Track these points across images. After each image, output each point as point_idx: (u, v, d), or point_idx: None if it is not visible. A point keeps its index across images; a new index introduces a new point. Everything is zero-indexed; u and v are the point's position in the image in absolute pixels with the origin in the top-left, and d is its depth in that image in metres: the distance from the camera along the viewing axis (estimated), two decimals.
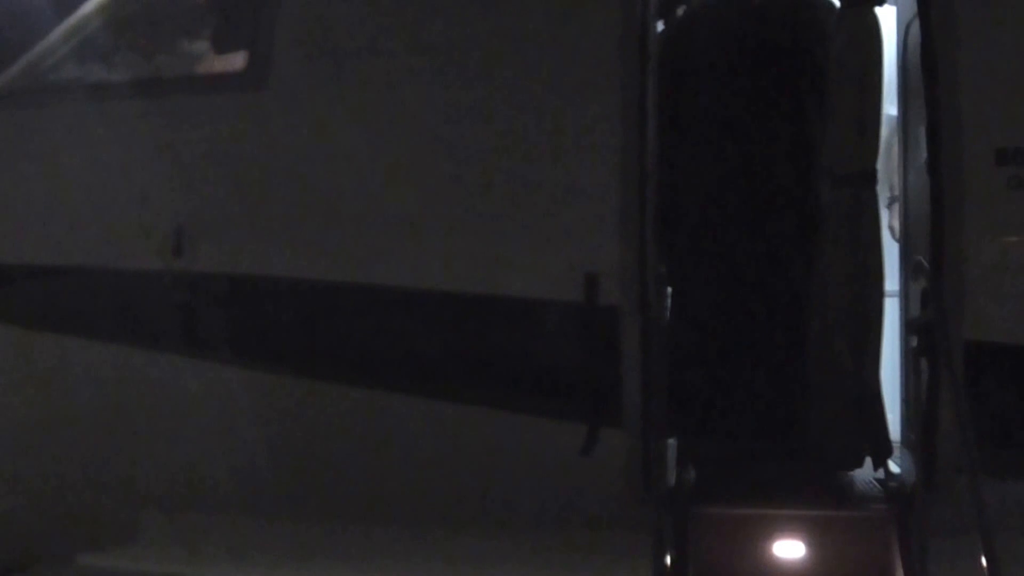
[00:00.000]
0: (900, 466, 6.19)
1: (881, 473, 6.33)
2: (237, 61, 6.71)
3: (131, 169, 6.58)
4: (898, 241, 7.16)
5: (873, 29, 6.54)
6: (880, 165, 6.62)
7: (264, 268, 6.42)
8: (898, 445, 6.56)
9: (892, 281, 6.90)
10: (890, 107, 7.05)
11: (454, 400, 6.31)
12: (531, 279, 6.11)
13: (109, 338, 6.66)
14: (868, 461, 6.50)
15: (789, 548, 5.85)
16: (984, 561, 5.11)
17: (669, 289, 6.02)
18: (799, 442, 6.71)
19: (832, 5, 6.87)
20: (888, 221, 7.52)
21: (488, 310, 6.22)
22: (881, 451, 6.34)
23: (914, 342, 6.05)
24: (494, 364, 6.26)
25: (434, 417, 6.32)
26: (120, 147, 6.62)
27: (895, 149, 7.17)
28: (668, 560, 5.34)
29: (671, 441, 5.98)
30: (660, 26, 6.99)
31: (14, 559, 7.54)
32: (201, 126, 6.53)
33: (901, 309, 6.84)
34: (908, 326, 6.39)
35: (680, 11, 7.23)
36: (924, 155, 6.01)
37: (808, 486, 6.35)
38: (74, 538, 7.33)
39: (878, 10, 6.61)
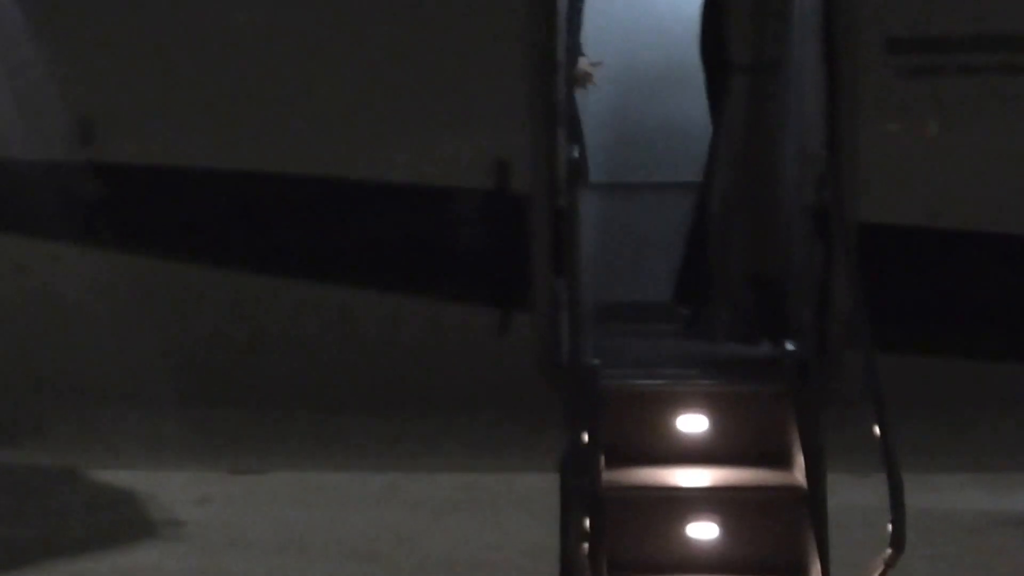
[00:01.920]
0: (796, 343, 6.49)
1: (779, 349, 6.61)
2: None
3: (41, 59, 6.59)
4: None
5: None
6: None
7: (175, 159, 6.50)
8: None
9: None
10: None
11: (370, 287, 6.47)
12: (445, 167, 6.27)
13: (15, 230, 6.71)
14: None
15: (692, 422, 6.11)
16: (876, 429, 5.42)
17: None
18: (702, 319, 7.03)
19: None
20: None
21: (403, 198, 6.37)
22: (779, 328, 6.62)
23: (807, 223, 6.34)
24: (410, 251, 6.44)
25: (350, 304, 6.48)
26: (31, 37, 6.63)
27: None
28: (582, 436, 5.56)
29: (581, 322, 6.19)
30: None
31: None
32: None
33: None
34: (803, 210, 6.65)
35: None
36: (818, 46, 6.24)
37: (710, 362, 6.67)
38: None
39: None
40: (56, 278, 6.68)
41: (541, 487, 7.85)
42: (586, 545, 5.24)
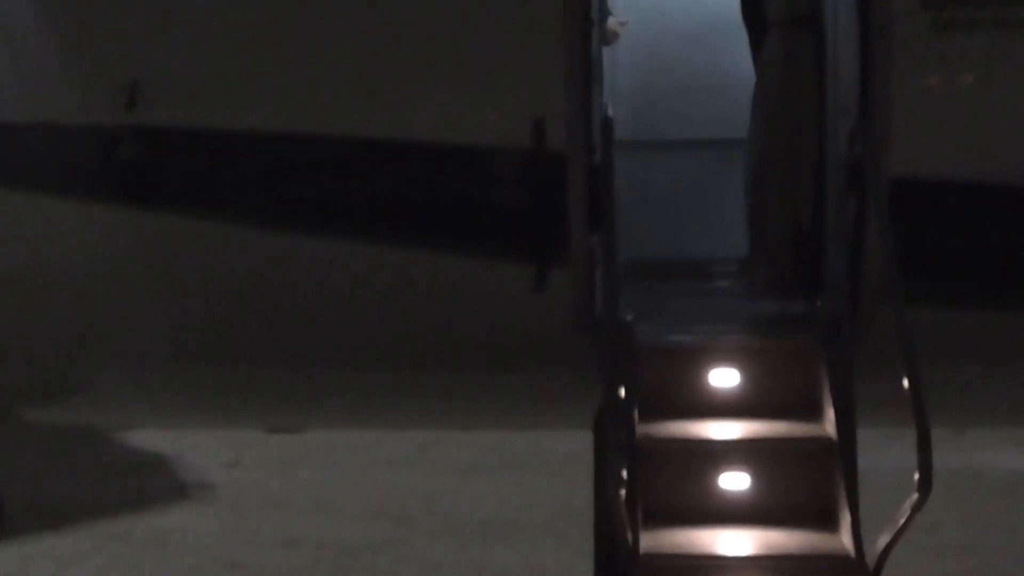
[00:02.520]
0: (829, 297, 6.52)
1: (813, 304, 6.64)
2: None
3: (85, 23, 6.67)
4: None
5: None
6: None
7: (220, 122, 6.57)
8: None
9: None
10: None
11: (408, 246, 6.53)
12: (483, 127, 6.31)
13: (66, 193, 6.80)
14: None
15: (725, 375, 6.16)
16: (906, 382, 5.46)
17: None
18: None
19: None
20: None
21: (440, 158, 6.43)
22: (815, 284, 6.65)
23: (841, 179, 6.37)
24: (448, 210, 6.49)
25: (388, 262, 6.54)
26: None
27: None
28: (618, 390, 5.61)
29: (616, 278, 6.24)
30: None
31: None
32: None
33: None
34: (833, 164, 6.68)
35: None
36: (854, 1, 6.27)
37: (747, 315, 6.71)
38: (23, 393, 7.55)
39: None
40: (99, 239, 6.77)
41: (570, 449, 7.95)
42: (623, 492, 5.29)
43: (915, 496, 5.22)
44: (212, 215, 6.65)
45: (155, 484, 11.64)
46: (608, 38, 7.36)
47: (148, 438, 12.08)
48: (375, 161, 6.50)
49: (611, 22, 7.47)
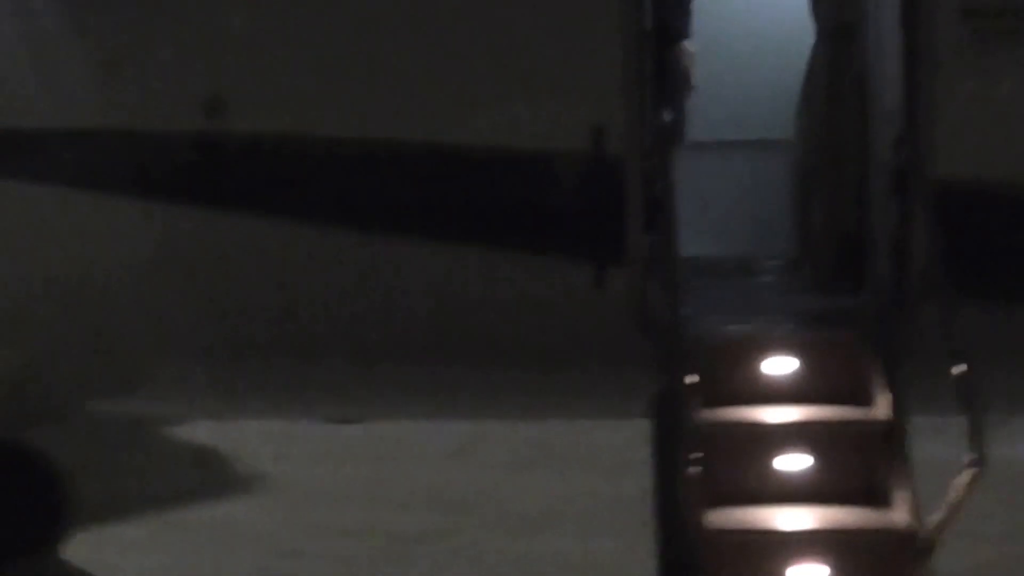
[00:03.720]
0: (876, 293, 6.84)
1: (859, 300, 6.97)
2: None
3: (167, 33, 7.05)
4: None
5: None
6: None
7: (298, 127, 6.95)
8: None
9: None
10: None
11: (473, 246, 6.89)
12: (546, 132, 6.68)
13: (143, 196, 7.16)
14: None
15: (780, 364, 6.46)
16: (955, 370, 5.78)
17: None
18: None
19: None
20: None
21: (504, 163, 6.80)
22: (861, 280, 7.00)
23: (885, 183, 6.72)
24: (510, 213, 6.85)
25: (457, 262, 6.90)
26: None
27: None
28: (682, 378, 5.95)
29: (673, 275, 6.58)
30: None
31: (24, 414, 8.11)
32: None
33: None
34: (878, 168, 7.03)
35: None
36: (896, 10, 6.62)
37: (796, 310, 7.05)
38: (79, 389, 7.90)
39: None
40: (174, 239, 7.15)
41: (618, 442, 8.23)
42: (691, 471, 5.63)
43: (968, 475, 5.53)
44: (272, 215, 7.02)
45: (215, 475, 12.01)
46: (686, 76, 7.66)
47: (209, 430, 12.41)
48: (442, 165, 6.86)
49: (687, 46, 7.77)
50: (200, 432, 12.55)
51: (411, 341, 7.20)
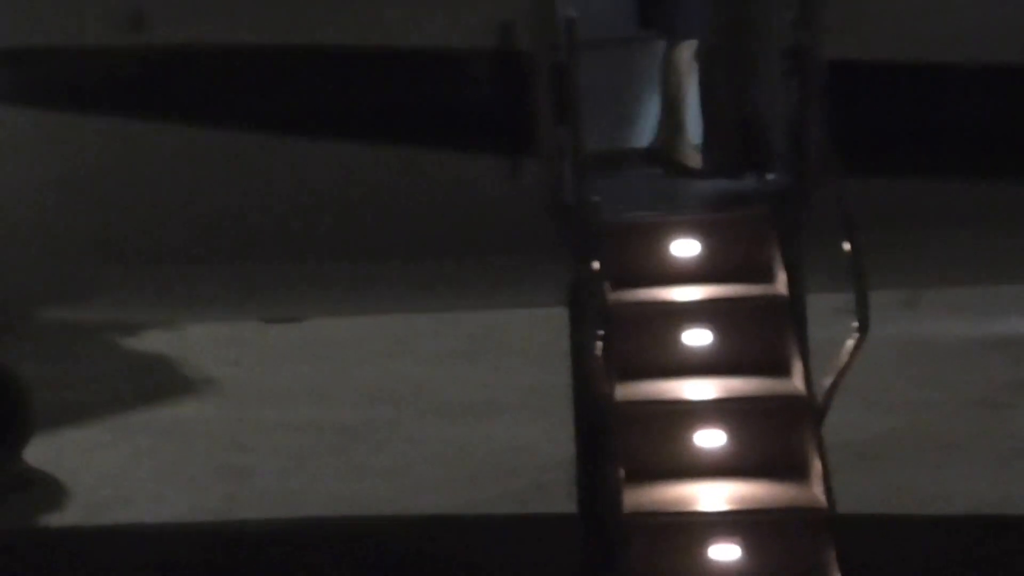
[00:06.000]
0: (776, 174, 7.13)
1: (761, 181, 7.27)
2: None
3: None
4: None
5: None
6: None
7: (216, 38, 7.14)
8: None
9: None
10: None
11: (395, 143, 7.12)
12: (458, 30, 6.89)
13: (85, 111, 7.37)
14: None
15: (686, 246, 6.75)
16: (847, 246, 6.10)
17: None
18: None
19: None
20: None
21: (417, 61, 7.02)
22: (762, 163, 7.29)
23: (783, 65, 6.98)
24: (426, 110, 7.08)
25: (379, 160, 7.14)
26: None
27: None
28: (591, 264, 6.25)
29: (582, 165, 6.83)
30: None
31: None
32: None
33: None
34: (776, 50, 7.24)
35: None
36: None
37: (702, 194, 7.33)
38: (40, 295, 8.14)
39: None
40: (110, 151, 7.36)
41: (544, 330, 8.51)
42: (600, 345, 5.95)
43: (855, 339, 5.86)
44: (201, 124, 7.25)
45: (167, 379, 12.32)
46: None
47: (157, 337, 12.71)
48: (359, 66, 7.08)
49: None
50: (149, 339, 12.84)
51: (339, 239, 7.48)
